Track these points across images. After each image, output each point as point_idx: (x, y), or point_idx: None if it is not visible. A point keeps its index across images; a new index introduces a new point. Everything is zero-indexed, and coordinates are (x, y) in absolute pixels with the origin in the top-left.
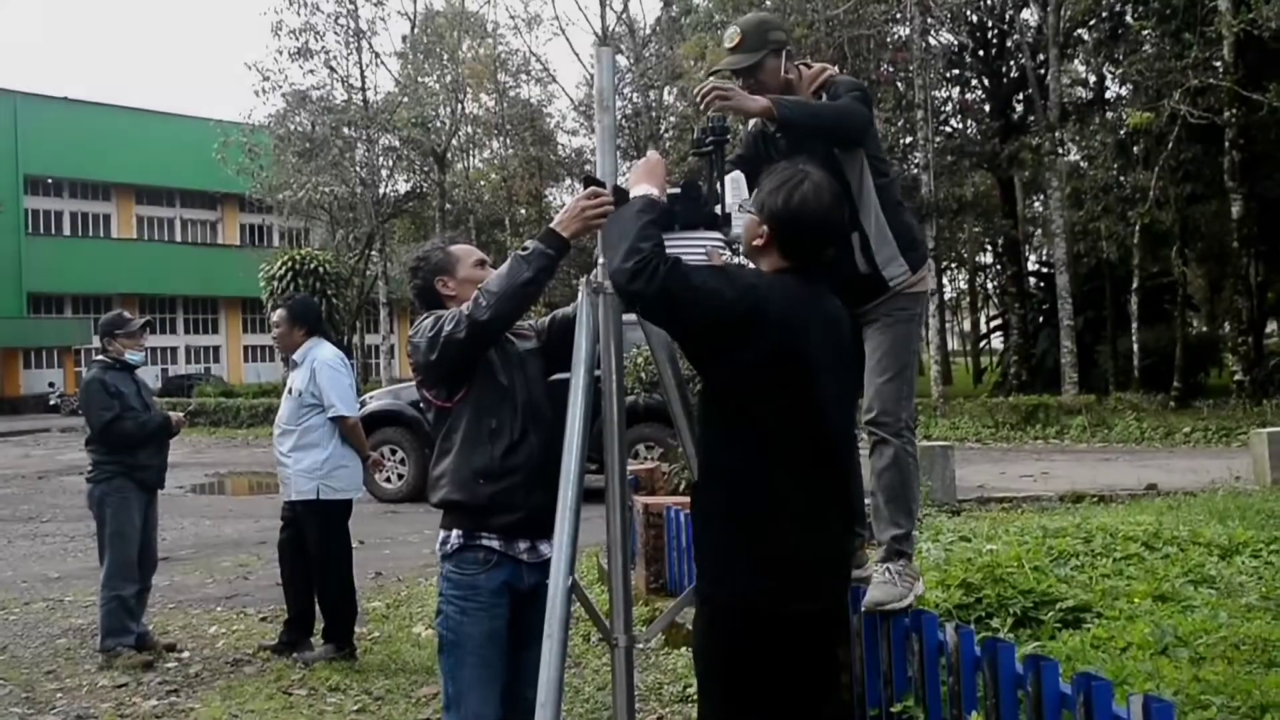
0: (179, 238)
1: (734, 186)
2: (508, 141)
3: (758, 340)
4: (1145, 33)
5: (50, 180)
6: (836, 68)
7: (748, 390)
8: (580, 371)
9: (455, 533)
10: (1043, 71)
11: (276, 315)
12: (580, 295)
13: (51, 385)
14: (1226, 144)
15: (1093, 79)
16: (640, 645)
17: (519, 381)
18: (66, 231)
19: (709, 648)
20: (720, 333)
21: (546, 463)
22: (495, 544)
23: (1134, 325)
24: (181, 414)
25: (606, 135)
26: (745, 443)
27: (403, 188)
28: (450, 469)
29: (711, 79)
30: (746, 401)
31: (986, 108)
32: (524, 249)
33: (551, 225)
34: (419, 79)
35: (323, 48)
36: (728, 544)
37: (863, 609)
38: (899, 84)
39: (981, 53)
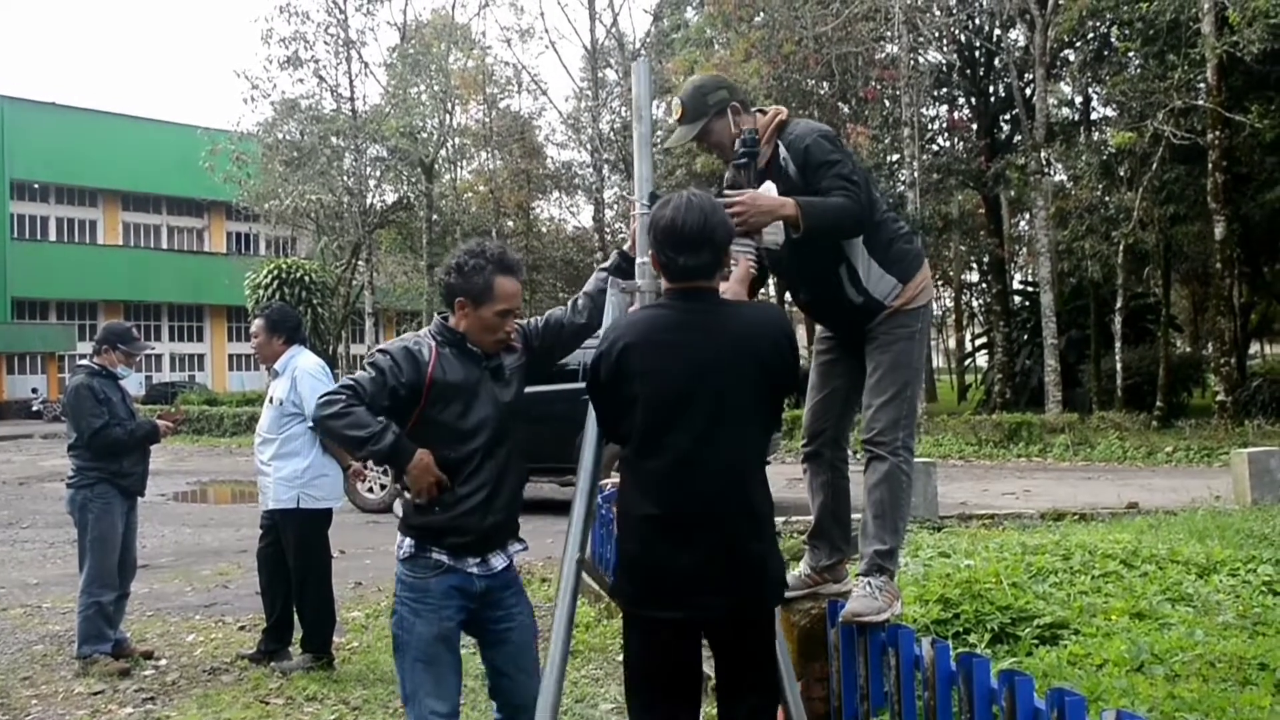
0: (165, 245)
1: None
2: (496, 153)
3: (615, 377)
4: (1130, 54)
5: (36, 185)
6: (785, 112)
7: (610, 414)
8: None
9: (409, 540)
10: (1029, 91)
11: (255, 325)
12: (609, 294)
13: (35, 391)
14: (1210, 165)
15: (1078, 99)
16: None
17: (488, 406)
18: (52, 237)
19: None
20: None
21: (500, 484)
22: (444, 558)
23: (1117, 344)
24: (173, 409)
25: (643, 142)
26: (621, 462)
27: (390, 198)
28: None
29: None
30: (615, 424)
31: (973, 126)
32: (384, 436)
33: (407, 463)
34: (407, 90)
35: (312, 57)
36: (617, 551)
37: (840, 620)
38: (886, 101)
39: (969, 72)
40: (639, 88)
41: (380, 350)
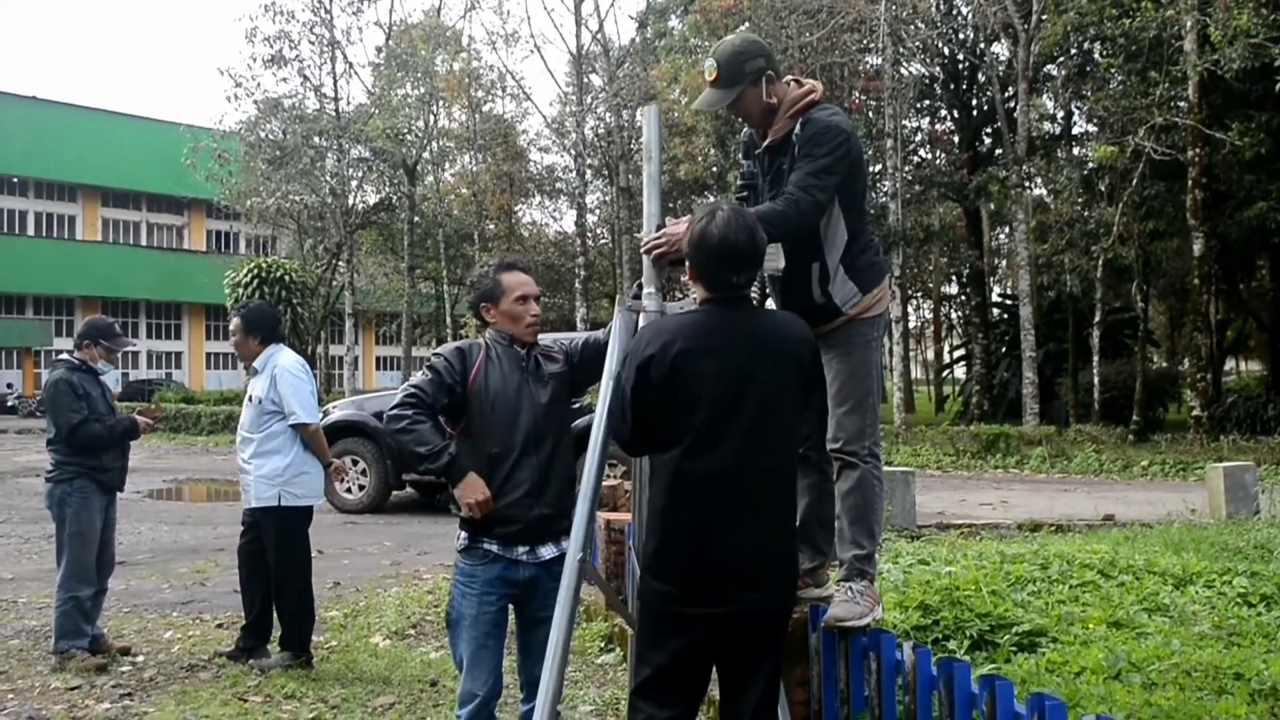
0: (144, 242)
1: None
2: (479, 156)
3: (670, 380)
4: (1112, 70)
5: (15, 179)
6: (820, 91)
7: (656, 417)
8: (610, 382)
9: (463, 534)
10: (1011, 105)
11: (232, 324)
12: (615, 313)
13: (10, 386)
14: (1189, 182)
15: (1060, 114)
16: None
17: (526, 406)
18: (30, 231)
19: (636, 636)
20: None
21: (546, 478)
22: (495, 548)
23: (1095, 358)
24: (153, 406)
25: (652, 182)
26: (660, 464)
27: (372, 199)
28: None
29: (651, 240)
30: (657, 427)
31: (955, 139)
32: (441, 456)
33: (458, 481)
34: (392, 91)
35: (297, 56)
36: (647, 554)
37: (822, 625)
38: (870, 113)
39: (952, 85)
40: (649, 132)
41: (435, 353)
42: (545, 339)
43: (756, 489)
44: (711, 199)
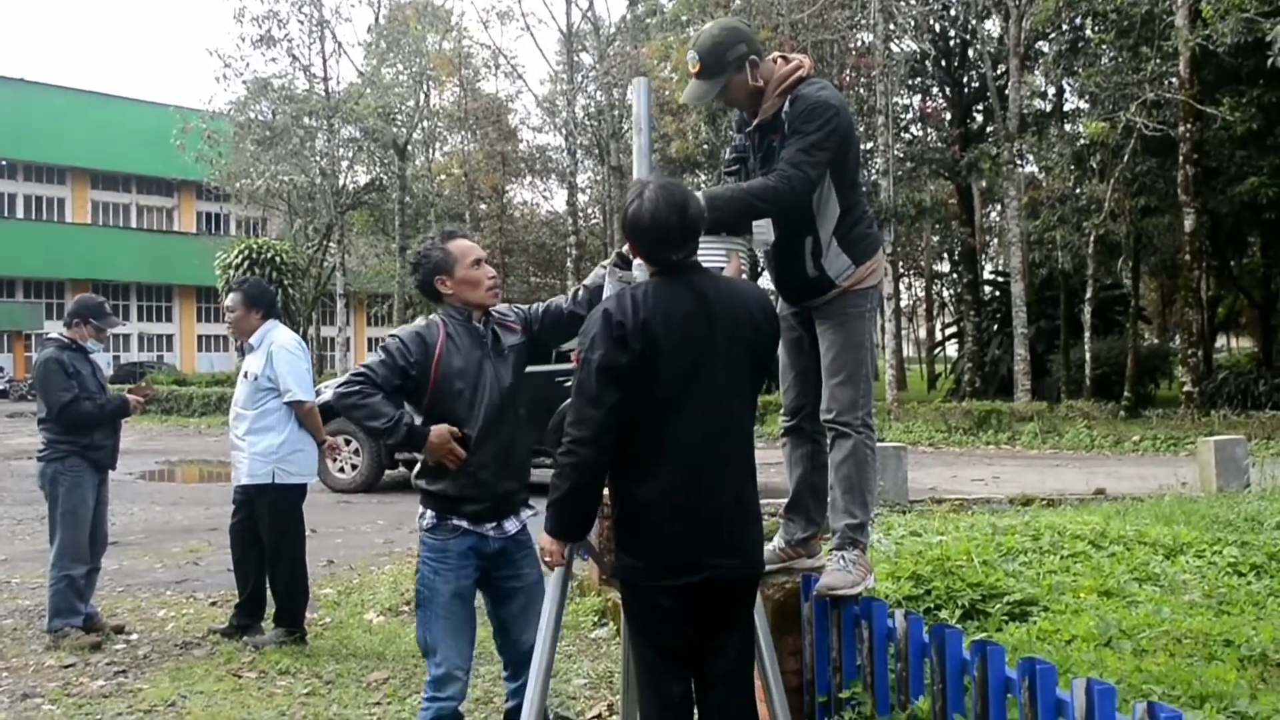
0: (134, 224)
1: None
2: (471, 135)
3: (644, 353)
4: (1104, 46)
5: (4, 162)
6: (808, 66)
7: (633, 390)
8: None
9: (429, 512)
10: (1003, 82)
11: (231, 299)
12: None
13: (0, 370)
14: (1181, 158)
15: (1052, 91)
16: None
17: (488, 382)
18: (20, 214)
19: (624, 614)
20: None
21: (510, 454)
22: (463, 523)
23: (1087, 335)
24: (144, 384)
25: (642, 155)
26: (636, 436)
27: (362, 179)
28: (424, 462)
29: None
30: (628, 405)
31: (947, 116)
32: (399, 427)
33: (422, 443)
34: (382, 69)
35: (286, 35)
36: (616, 530)
37: (814, 594)
38: (861, 89)
39: (943, 61)
40: (640, 104)
41: (391, 335)
42: (502, 308)
43: (723, 454)
44: (703, 177)
